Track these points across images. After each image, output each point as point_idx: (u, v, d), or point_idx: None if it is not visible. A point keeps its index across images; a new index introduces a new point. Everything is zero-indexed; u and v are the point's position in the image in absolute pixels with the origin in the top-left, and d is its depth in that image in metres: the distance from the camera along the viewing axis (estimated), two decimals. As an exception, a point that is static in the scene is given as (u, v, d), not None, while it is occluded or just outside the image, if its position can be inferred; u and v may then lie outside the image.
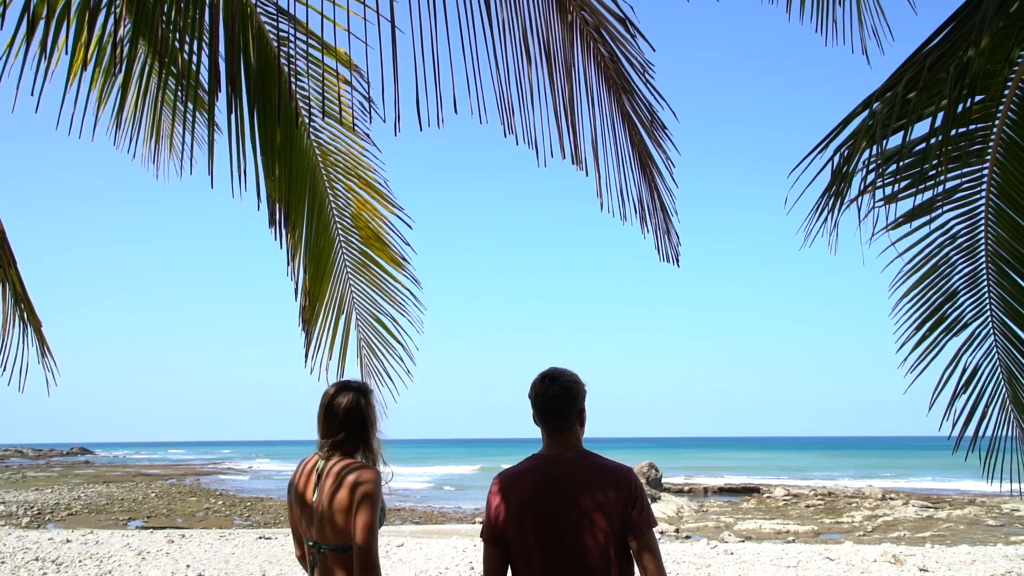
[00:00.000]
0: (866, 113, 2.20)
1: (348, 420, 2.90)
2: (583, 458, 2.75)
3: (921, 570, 10.98)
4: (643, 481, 29.36)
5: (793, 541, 17.97)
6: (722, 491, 37.17)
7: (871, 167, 2.59)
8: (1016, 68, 2.48)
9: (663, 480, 33.20)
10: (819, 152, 2.43)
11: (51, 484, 39.58)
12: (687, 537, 18.82)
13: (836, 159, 2.32)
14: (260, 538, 15.82)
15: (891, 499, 31.08)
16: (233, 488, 39.99)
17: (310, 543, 2.88)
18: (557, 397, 2.74)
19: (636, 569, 2.71)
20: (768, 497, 33.72)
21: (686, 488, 36.89)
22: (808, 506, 30.07)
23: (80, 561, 12.77)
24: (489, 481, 2.89)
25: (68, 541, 15.32)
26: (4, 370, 3.91)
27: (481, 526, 2.84)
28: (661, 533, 19.09)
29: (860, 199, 2.62)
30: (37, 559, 12.94)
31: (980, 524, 22.50)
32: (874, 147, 2.37)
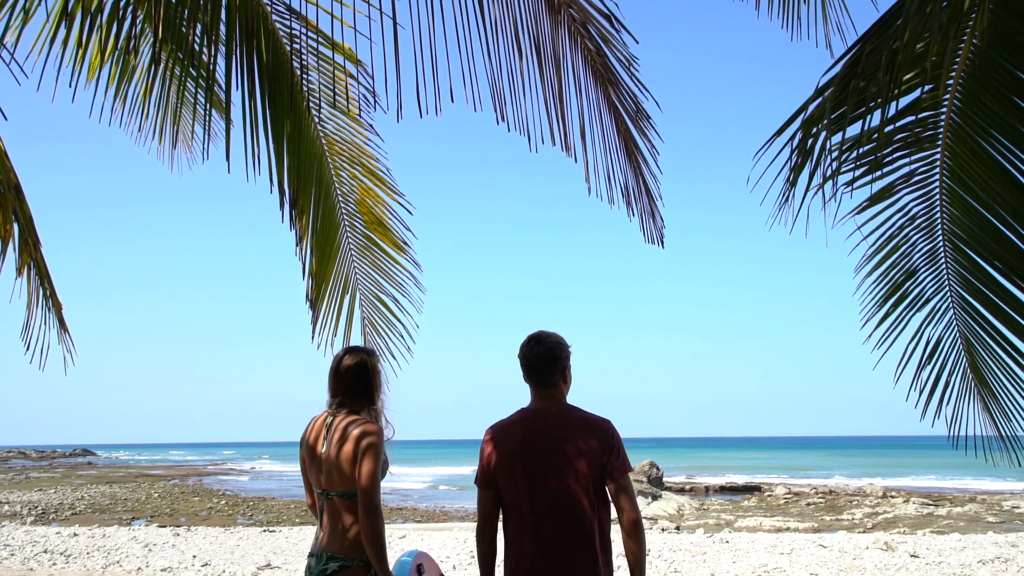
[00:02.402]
0: (820, 100, 2.45)
1: (355, 380, 3.19)
2: (567, 411, 3.05)
3: (912, 556, 11.22)
4: (644, 480, 29.39)
5: (791, 535, 18.19)
6: (723, 490, 37.26)
7: (832, 154, 2.84)
8: (958, 59, 2.73)
9: (664, 479, 33.32)
10: (788, 140, 2.68)
11: (54, 485, 39.74)
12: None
13: (793, 145, 2.57)
14: (264, 531, 16.08)
15: (892, 497, 31.18)
16: (235, 488, 40.13)
17: (319, 491, 3.16)
18: (542, 356, 3.05)
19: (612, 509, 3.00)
20: (769, 495, 33.81)
21: (687, 487, 37.00)
22: (809, 504, 30.19)
23: (88, 553, 13.02)
24: None
25: (75, 535, 15.57)
26: (28, 349, 4.17)
27: (475, 474, 3.13)
28: (662, 530, 19.31)
29: (824, 185, 2.87)
30: (46, 551, 13.19)
31: (980, 521, 22.64)
32: (828, 133, 2.62)
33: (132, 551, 13.16)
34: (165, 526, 19.70)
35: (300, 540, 14.47)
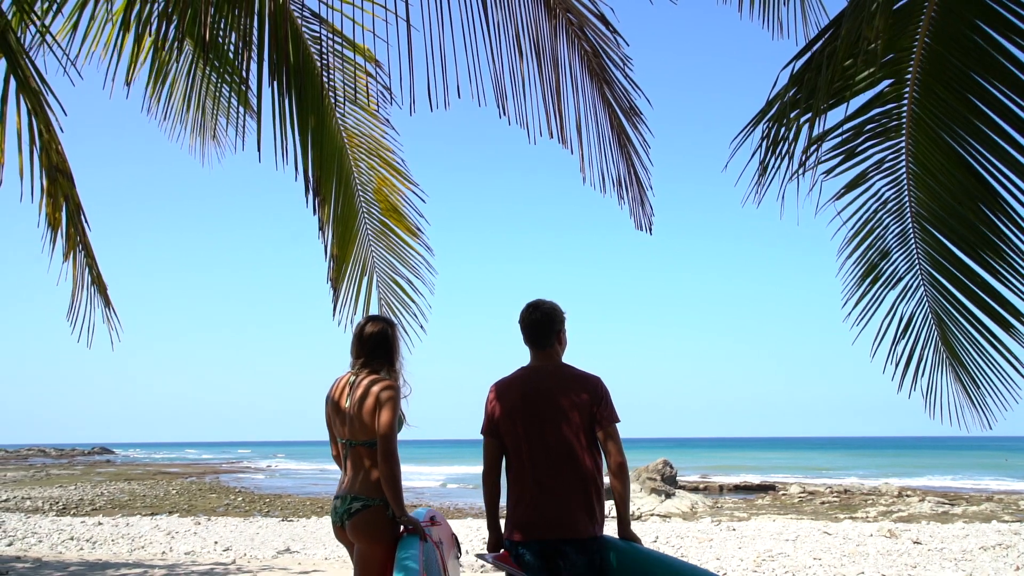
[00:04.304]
0: (789, 94, 2.76)
1: (377, 345, 3.58)
2: (561, 369, 3.46)
3: (914, 542, 11.45)
4: (658, 478, 29.55)
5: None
6: (737, 489, 37.20)
7: (807, 145, 3.15)
8: (913, 56, 3.02)
9: (677, 478, 33.35)
10: (754, 130, 2.98)
11: (74, 482, 40.26)
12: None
13: (764, 134, 2.88)
14: (283, 521, 16.47)
15: (907, 496, 31.05)
16: (252, 486, 40.47)
17: (343, 441, 3.53)
18: (539, 321, 3.46)
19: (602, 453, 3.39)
20: (783, 494, 33.77)
21: (701, 486, 37.02)
22: (823, 503, 30.12)
23: (113, 540, 13.44)
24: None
25: (100, 524, 16.04)
26: (73, 329, 4.52)
27: (481, 425, 3.51)
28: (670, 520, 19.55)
29: (796, 175, 3.18)
30: (72, 539, 13.63)
31: (995, 519, 22.58)
32: (799, 125, 2.94)
33: (155, 538, 13.58)
34: (186, 517, 20.12)
35: (318, 528, 14.85)
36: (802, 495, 32.86)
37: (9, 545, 12.65)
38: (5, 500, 27.34)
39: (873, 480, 39.94)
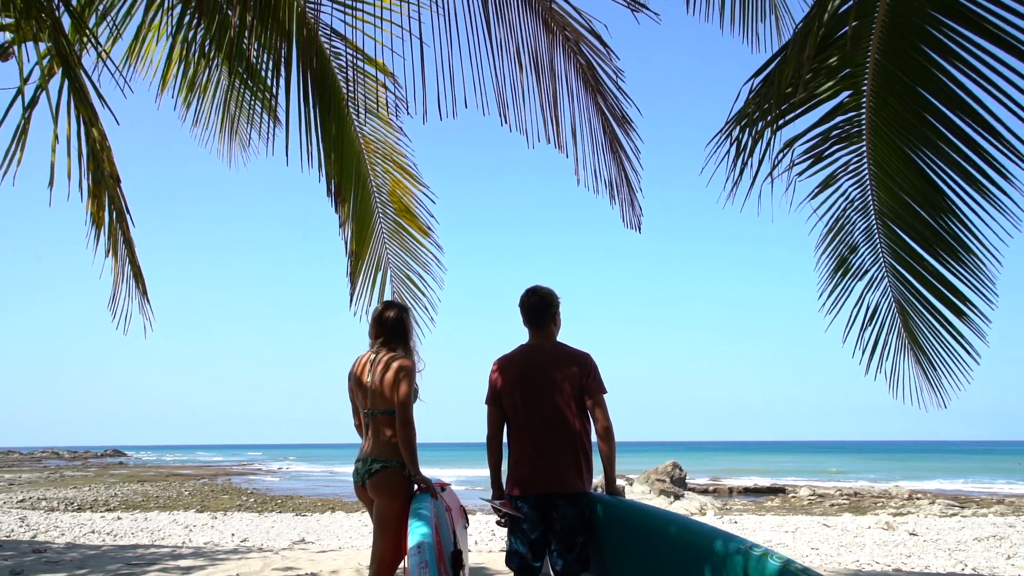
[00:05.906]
0: (753, 106, 3.15)
1: (393, 327, 4.00)
2: (556, 347, 3.93)
3: (911, 534, 11.75)
4: (667, 480, 29.72)
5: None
6: (747, 491, 37.25)
7: (779, 151, 3.55)
8: (867, 71, 3.39)
9: (687, 480, 33.40)
10: (724, 137, 3.37)
11: (88, 483, 40.64)
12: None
13: (733, 140, 3.27)
14: (297, 515, 16.87)
15: (917, 499, 31.08)
16: (263, 487, 40.75)
17: (364, 411, 3.94)
18: (536, 304, 3.93)
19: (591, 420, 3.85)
20: (793, 496, 33.82)
21: (711, 488, 37.08)
22: (832, 505, 30.15)
23: (132, 533, 13.90)
24: None
25: (119, 518, 16.50)
26: (115, 317, 4.93)
27: (485, 395, 3.97)
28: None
29: (768, 178, 3.56)
30: (93, 532, 14.09)
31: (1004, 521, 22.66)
32: (772, 131, 3.33)
33: (174, 531, 14.03)
34: (202, 513, 20.52)
35: (331, 523, 15.27)
36: (812, 497, 32.88)
37: (33, 538, 13.11)
38: (21, 500, 27.78)
39: (884, 483, 39.83)
